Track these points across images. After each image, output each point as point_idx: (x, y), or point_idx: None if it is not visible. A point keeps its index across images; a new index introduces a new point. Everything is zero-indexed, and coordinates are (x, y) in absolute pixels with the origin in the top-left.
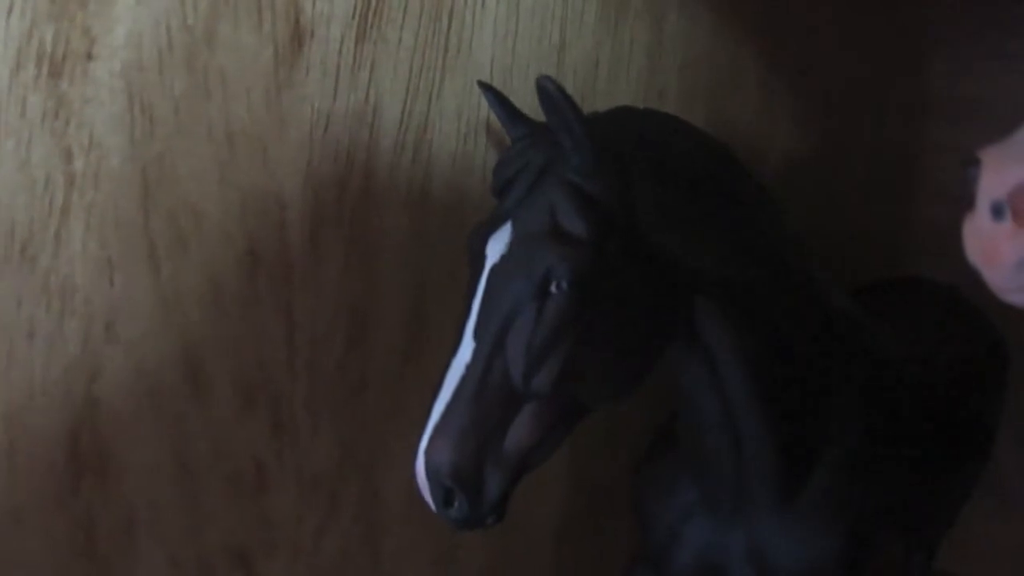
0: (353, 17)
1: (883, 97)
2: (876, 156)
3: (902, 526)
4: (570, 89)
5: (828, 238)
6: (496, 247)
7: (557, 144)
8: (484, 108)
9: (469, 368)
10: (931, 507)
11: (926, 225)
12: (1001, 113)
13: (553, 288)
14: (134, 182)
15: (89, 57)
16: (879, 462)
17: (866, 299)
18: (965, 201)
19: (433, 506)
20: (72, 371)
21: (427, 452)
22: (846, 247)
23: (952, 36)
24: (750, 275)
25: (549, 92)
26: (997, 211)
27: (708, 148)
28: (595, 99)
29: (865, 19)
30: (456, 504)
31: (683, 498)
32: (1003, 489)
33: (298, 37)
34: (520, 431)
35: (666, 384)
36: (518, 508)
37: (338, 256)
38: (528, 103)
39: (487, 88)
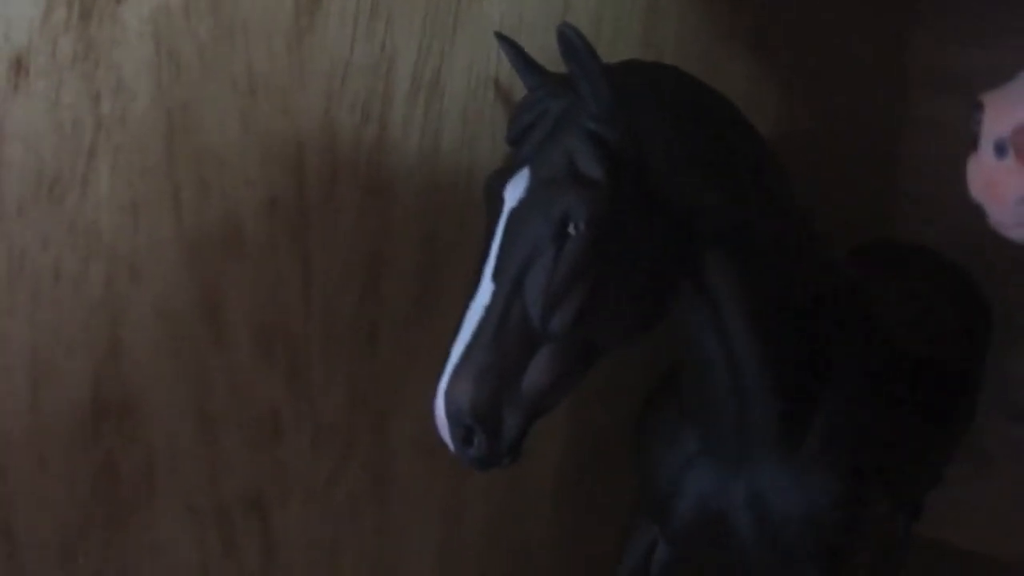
0: None
1: (870, 71)
2: (862, 127)
3: (890, 483)
4: None
5: (814, 206)
6: (514, 191)
7: (574, 92)
8: (493, 63)
9: (488, 310)
10: (917, 465)
11: (908, 199)
12: (982, 89)
13: (571, 230)
14: (159, 126)
15: (118, 1)
16: (872, 417)
17: (855, 261)
18: (969, 142)
19: (452, 446)
20: (96, 313)
21: (447, 392)
22: (832, 215)
23: (937, 11)
24: (755, 224)
25: (571, 40)
26: (1000, 149)
27: (714, 99)
28: None
29: None
30: (475, 443)
31: (684, 448)
32: (983, 452)
33: None
34: (537, 372)
35: (666, 334)
36: (520, 461)
37: (354, 205)
38: (536, 59)
39: (503, 39)
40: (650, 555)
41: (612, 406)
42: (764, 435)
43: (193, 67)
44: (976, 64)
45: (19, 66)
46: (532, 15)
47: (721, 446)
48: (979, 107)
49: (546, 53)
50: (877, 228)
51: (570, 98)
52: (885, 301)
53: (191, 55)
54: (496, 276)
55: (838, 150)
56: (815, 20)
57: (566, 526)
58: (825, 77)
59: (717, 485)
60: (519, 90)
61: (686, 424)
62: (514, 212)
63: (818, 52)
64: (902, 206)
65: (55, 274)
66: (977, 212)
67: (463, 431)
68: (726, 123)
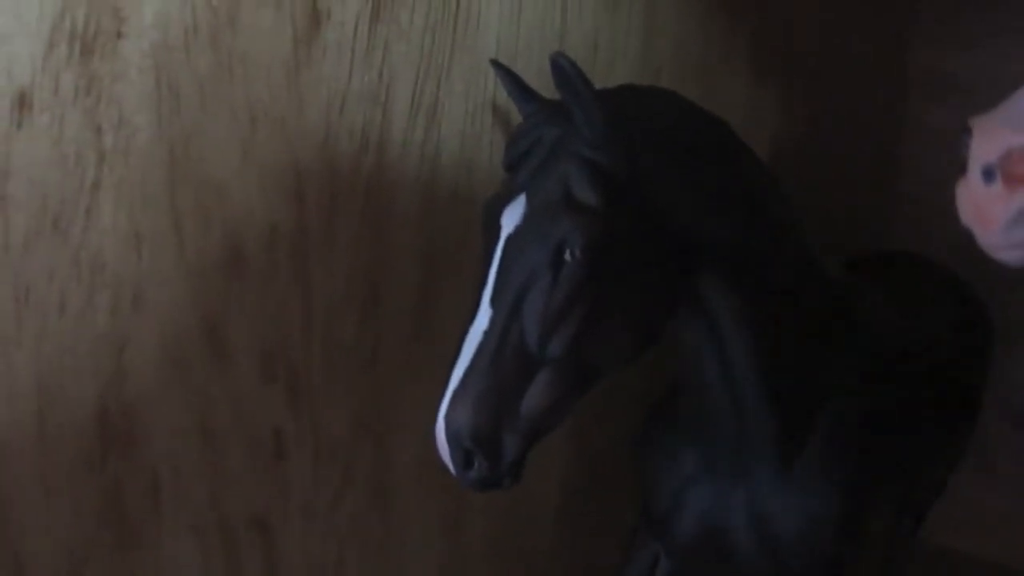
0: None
1: (870, 72)
2: (861, 134)
3: (893, 492)
4: None
5: (814, 214)
6: (511, 218)
7: (569, 119)
8: (490, 89)
9: (486, 335)
10: (920, 474)
11: (908, 201)
12: (981, 92)
13: (567, 256)
14: (161, 159)
15: (119, 36)
16: (871, 429)
17: (856, 272)
18: (958, 167)
19: (453, 469)
20: (101, 343)
21: (447, 416)
22: (832, 223)
23: (937, 14)
24: (752, 245)
25: (563, 68)
26: (988, 175)
27: (708, 123)
28: (594, 80)
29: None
30: (476, 466)
31: (684, 465)
32: (988, 460)
33: (315, 18)
34: (535, 395)
35: (666, 352)
36: (520, 483)
37: (353, 230)
38: (533, 85)
39: (499, 66)
40: (652, 570)
41: (612, 425)
42: (763, 451)
43: (193, 100)
44: (976, 67)
45: (22, 102)
46: (529, 40)
47: (721, 462)
48: (967, 132)
49: (543, 78)
50: (876, 230)
51: (565, 125)
52: (884, 313)
53: (191, 88)
54: (494, 301)
55: (838, 152)
56: (815, 20)
57: (567, 543)
58: (825, 78)
59: (717, 501)
60: (516, 115)
61: (685, 441)
62: (511, 238)
63: (818, 52)
64: (901, 208)
65: (60, 306)
66: (968, 236)
67: (463, 454)
68: (722, 146)
